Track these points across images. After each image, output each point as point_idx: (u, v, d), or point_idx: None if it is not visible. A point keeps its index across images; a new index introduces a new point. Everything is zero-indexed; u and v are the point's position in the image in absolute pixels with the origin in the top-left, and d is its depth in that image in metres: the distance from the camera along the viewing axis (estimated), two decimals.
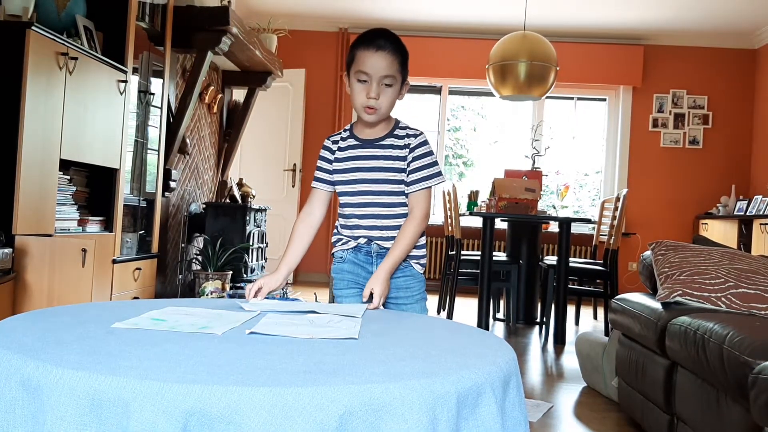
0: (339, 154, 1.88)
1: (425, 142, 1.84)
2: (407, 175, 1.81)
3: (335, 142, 1.90)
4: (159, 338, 1.10)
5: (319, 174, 1.91)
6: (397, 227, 1.82)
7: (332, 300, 2.05)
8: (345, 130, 1.91)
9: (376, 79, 1.76)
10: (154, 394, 0.82)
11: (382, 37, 1.77)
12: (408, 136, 1.83)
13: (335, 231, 1.92)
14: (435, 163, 1.83)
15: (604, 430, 2.71)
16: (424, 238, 1.89)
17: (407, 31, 7.29)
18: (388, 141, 1.83)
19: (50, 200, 3.08)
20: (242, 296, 4.63)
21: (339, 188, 1.88)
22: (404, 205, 1.84)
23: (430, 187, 1.82)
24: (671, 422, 2.31)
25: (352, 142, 1.87)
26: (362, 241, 1.85)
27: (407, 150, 1.81)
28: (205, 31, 4.49)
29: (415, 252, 1.85)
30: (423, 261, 1.90)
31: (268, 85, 5.88)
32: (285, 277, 1.81)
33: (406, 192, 1.82)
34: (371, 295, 1.68)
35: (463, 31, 7.28)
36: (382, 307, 1.70)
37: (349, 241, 1.87)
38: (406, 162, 1.81)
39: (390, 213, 1.83)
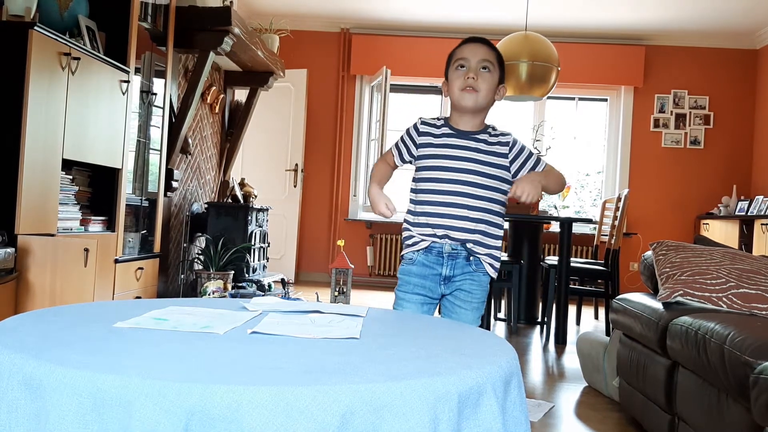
0: (431, 140, 1.88)
1: (519, 140, 1.94)
2: (520, 169, 1.87)
3: (428, 125, 1.90)
4: (161, 338, 1.11)
5: (401, 146, 1.91)
6: (478, 220, 1.82)
7: (334, 300, 2.06)
8: (439, 119, 1.92)
9: (474, 62, 1.85)
10: (156, 394, 0.82)
11: (478, 39, 1.91)
12: (503, 134, 1.91)
13: (405, 228, 1.90)
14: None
15: (605, 429, 2.71)
16: (501, 230, 1.88)
17: (408, 31, 7.30)
18: (483, 136, 1.88)
19: (53, 200, 3.09)
20: (244, 296, 4.63)
21: (423, 174, 1.87)
22: (490, 200, 1.85)
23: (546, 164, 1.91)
24: (672, 422, 2.31)
25: (446, 130, 1.89)
26: (438, 232, 1.82)
27: (507, 147, 1.88)
28: (207, 32, 4.49)
29: (493, 241, 1.84)
30: (498, 260, 1.88)
31: (270, 85, 5.89)
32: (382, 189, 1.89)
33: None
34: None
35: (464, 31, 7.27)
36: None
37: (422, 241, 1.85)
38: (507, 159, 1.87)
39: (475, 205, 1.83)
